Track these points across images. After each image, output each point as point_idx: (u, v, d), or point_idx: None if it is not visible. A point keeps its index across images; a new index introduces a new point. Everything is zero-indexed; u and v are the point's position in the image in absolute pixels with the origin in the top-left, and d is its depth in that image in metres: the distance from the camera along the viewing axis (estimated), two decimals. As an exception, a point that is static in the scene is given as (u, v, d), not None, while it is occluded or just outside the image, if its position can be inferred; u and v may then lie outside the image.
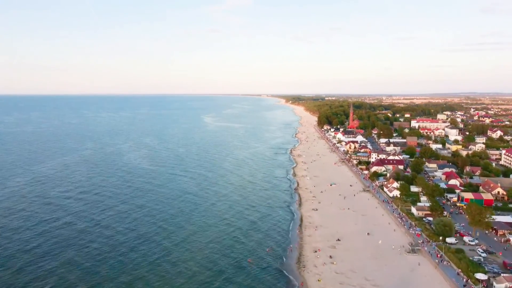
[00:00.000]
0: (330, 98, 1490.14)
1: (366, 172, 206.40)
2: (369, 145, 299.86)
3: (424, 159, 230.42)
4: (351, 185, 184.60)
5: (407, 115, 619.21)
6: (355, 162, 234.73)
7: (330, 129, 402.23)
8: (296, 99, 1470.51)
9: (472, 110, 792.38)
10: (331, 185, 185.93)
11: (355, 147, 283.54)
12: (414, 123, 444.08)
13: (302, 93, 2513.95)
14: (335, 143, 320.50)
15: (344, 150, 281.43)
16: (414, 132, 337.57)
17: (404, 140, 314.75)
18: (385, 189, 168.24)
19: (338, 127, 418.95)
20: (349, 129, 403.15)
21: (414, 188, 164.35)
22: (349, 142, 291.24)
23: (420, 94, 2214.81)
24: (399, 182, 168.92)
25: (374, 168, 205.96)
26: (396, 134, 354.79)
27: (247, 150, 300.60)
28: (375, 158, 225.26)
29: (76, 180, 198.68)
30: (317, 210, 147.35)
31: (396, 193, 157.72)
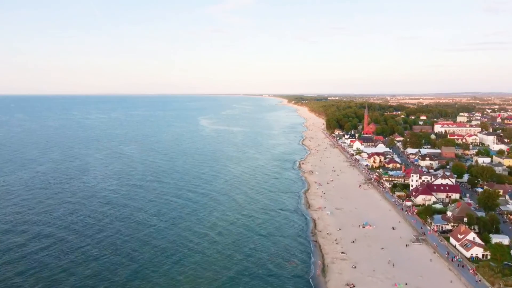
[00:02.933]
0: (333, 98, 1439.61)
1: (408, 203, 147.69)
2: (396, 158, 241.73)
3: (480, 181, 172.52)
4: (393, 228, 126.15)
5: (423, 117, 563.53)
6: (387, 184, 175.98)
7: (343, 135, 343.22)
8: (299, 99, 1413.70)
9: (488, 111, 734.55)
10: (363, 226, 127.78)
11: (380, 161, 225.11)
12: (438, 128, 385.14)
13: (304, 93, 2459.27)
14: (353, 154, 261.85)
15: (367, 164, 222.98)
16: (449, 140, 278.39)
17: (438, 151, 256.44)
18: (452, 239, 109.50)
19: (352, 132, 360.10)
20: (366, 135, 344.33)
21: (495, 238, 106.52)
22: (372, 154, 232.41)
23: (423, 94, 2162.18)
24: (473, 228, 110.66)
25: (420, 199, 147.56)
26: (423, 141, 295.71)
27: (244, 163, 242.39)
28: (416, 180, 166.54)
29: (7, 212, 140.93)
30: (354, 287, 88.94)
31: (478, 252, 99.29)
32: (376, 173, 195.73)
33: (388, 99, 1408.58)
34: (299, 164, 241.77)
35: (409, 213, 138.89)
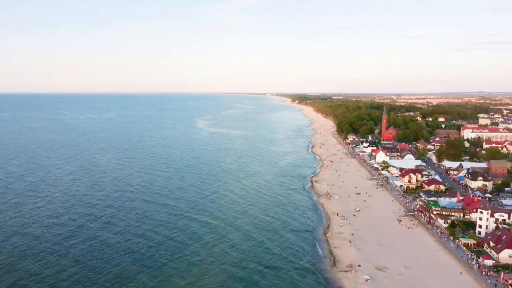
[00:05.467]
0: (337, 97, 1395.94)
1: (488, 262, 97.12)
2: (434, 175, 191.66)
3: None
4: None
5: (441, 119, 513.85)
6: (441, 222, 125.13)
7: (361, 141, 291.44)
8: (303, 99, 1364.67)
9: (505, 111, 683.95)
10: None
11: (417, 180, 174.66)
12: (468, 133, 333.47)
13: (308, 92, 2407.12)
14: (378, 168, 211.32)
15: (402, 186, 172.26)
16: (497, 152, 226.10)
17: (483, 165, 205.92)
18: None
19: (370, 138, 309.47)
20: (387, 142, 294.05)
21: None
22: (407, 171, 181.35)
23: (428, 93, 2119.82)
24: None
25: (505, 254, 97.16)
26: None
27: (242, 181, 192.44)
28: (487, 218, 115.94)
29: None
30: None
31: None
32: (421, 202, 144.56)
33: (394, 98, 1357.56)
34: (312, 182, 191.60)
35: (497, 280, 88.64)
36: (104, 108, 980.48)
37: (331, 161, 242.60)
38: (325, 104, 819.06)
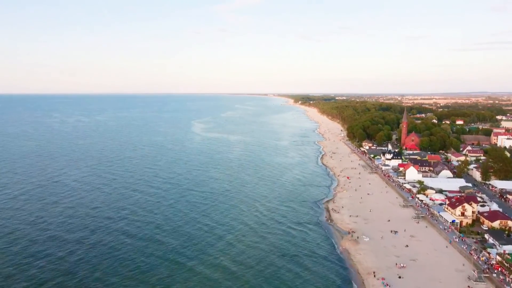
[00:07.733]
0: (340, 97, 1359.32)
1: None
2: (490, 203, 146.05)
3: None
4: None
5: (459, 122, 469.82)
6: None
7: (383, 151, 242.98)
8: (306, 99, 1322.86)
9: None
10: None
11: (473, 212, 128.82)
12: (504, 140, 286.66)
13: (310, 92, 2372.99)
14: (410, 190, 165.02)
15: (454, 221, 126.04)
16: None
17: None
18: None
19: (391, 148, 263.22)
20: (411, 152, 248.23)
21: None
22: (459, 200, 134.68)
23: (431, 94, 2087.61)
24: None
25: None
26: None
27: (235, 211, 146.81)
28: None
29: None
30: None
31: None
32: (498, 257, 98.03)
33: (399, 99, 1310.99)
34: (328, 210, 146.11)
35: None
36: (99, 109, 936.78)
37: (348, 178, 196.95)
38: (331, 105, 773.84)
